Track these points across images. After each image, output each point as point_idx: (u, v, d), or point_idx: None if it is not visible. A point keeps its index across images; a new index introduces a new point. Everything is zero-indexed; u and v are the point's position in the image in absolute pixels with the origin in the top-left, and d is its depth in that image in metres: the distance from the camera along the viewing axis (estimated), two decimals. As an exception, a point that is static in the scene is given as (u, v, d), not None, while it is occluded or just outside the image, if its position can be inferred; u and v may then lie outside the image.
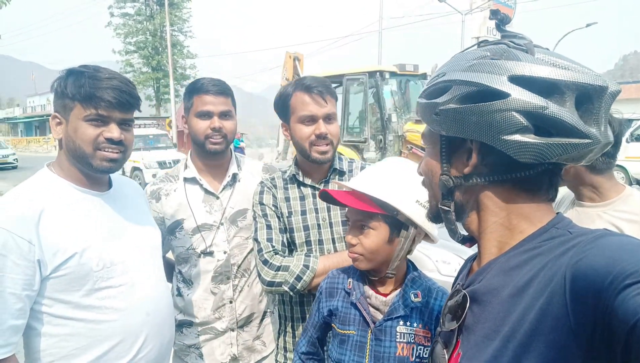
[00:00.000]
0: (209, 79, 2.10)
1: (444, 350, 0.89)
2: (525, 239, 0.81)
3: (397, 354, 1.34)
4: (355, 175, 1.84)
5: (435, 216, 0.95)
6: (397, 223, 1.39)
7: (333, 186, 1.91)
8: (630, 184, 12.94)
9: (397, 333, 1.35)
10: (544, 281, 0.70)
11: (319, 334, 1.53)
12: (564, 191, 2.02)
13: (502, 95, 0.73)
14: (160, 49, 42.18)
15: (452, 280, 1.36)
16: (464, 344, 0.84)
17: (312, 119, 1.81)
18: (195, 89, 2.07)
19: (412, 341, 1.34)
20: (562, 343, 0.64)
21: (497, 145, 0.76)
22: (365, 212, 1.37)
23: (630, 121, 16.10)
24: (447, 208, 0.89)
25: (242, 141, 24.95)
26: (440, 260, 4.43)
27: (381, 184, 1.37)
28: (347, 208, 1.46)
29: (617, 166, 13.73)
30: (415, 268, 1.49)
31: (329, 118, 1.83)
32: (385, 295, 1.41)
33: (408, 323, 1.36)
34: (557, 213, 0.85)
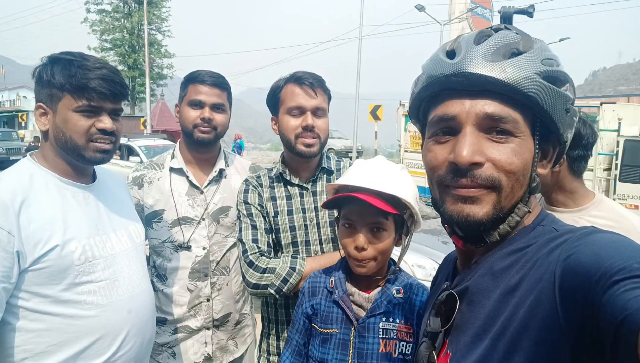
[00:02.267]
0: (207, 71, 2.09)
1: (432, 351, 0.89)
2: (517, 234, 0.83)
3: (380, 350, 1.34)
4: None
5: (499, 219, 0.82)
6: (402, 221, 1.41)
7: (321, 185, 1.88)
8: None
9: (380, 330, 1.36)
10: (534, 279, 0.71)
11: (305, 340, 1.48)
12: None
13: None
14: (137, 47, 41.52)
15: (427, 283, 1.38)
16: (453, 344, 0.84)
17: (300, 111, 1.78)
18: (192, 78, 2.06)
19: (395, 337, 1.36)
20: (552, 340, 0.64)
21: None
22: (381, 212, 1.33)
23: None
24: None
25: (241, 143, 24.68)
26: (416, 264, 4.47)
27: (391, 182, 1.36)
28: (347, 210, 1.39)
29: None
30: (394, 263, 1.50)
31: (317, 111, 1.80)
32: (368, 292, 1.42)
33: (391, 319, 1.37)
34: (541, 208, 0.88)
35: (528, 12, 0.89)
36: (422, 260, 4.51)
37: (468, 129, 0.79)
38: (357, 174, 1.39)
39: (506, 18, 0.90)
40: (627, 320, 0.53)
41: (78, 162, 1.51)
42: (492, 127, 0.78)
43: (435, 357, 0.88)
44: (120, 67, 41.54)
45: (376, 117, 18.78)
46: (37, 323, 1.40)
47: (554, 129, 0.81)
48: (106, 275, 1.52)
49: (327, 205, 1.46)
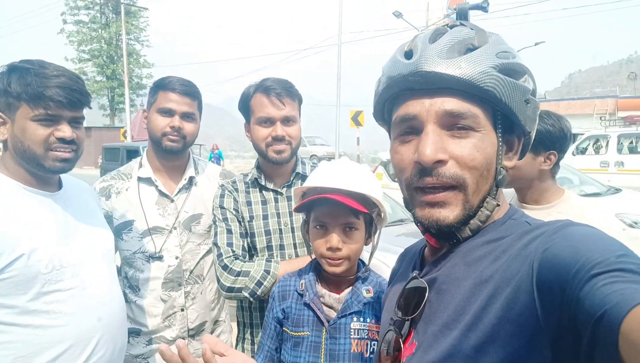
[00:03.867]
0: (178, 78, 2.05)
1: (399, 338, 0.88)
2: (489, 227, 0.83)
3: (352, 351, 1.35)
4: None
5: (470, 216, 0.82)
6: (371, 220, 1.42)
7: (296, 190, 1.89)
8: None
9: (352, 330, 1.36)
10: (510, 271, 0.70)
11: (276, 344, 1.48)
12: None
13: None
14: (115, 57, 41.18)
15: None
16: (419, 334, 0.83)
17: (269, 121, 1.81)
18: (162, 85, 2.02)
19: (366, 337, 1.36)
20: (529, 333, 0.64)
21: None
22: (353, 212, 1.35)
23: (575, 135, 16.98)
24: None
25: (220, 153, 24.47)
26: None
27: (359, 181, 1.37)
28: (318, 212, 1.40)
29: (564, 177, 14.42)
30: (364, 265, 1.50)
31: (287, 120, 1.82)
32: (339, 293, 1.42)
33: (362, 319, 1.37)
34: (510, 204, 0.89)
35: (483, 7, 0.90)
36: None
37: (429, 127, 0.79)
38: (325, 176, 1.39)
39: (462, 14, 0.91)
40: (606, 315, 0.53)
41: (39, 171, 1.48)
42: (452, 123, 0.79)
43: (402, 345, 0.87)
44: (98, 78, 41.23)
45: (357, 123, 18.88)
46: (3, 335, 1.37)
47: (516, 121, 0.82)
48: (74, 283, 1.49)
49: (300, 209, 1.46)
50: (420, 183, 0.80)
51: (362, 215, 1.38)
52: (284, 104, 1.81)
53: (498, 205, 0.84)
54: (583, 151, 14.74)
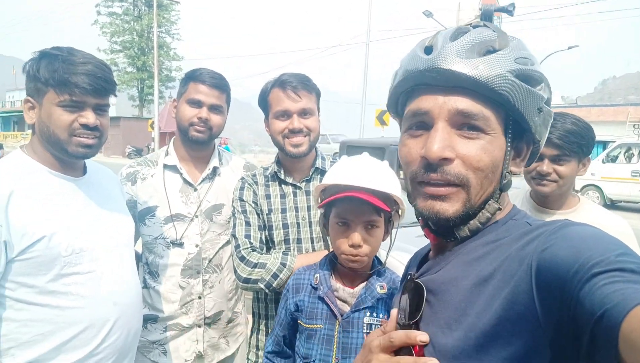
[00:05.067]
0: (209, 70, 2.09)
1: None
2: (489, 227, 0.83)
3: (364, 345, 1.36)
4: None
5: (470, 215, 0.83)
6: (389, 217, 1.44)
7: (315, 185, 1.90)
8: (605, 204, 13.24)
9: (364, 324, 1.37)
10: (509, 271, 0.70)
11: (285, 332, 1.52)
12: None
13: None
14: (146, 49, 41.92)
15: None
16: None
17: (286, 115, 1.83)
18: (193, 76, 2.06)
19: None
20: (529, 332, 0.64)
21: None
22: (375, 210, 1.37)
23: (607, 142, 16.55)
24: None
25: (227, 149, 24.70)
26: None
27: (382, 179, 1.38)
28: (340, 208, 1.40)
29: (593, 186, 14.08)
30: (380, 262, 1.51)
31: (304, 113, 1.84)
32: (353, 288, 1.44)
33: (374, 314, 1.38)
34: (514, 205, 0.88)
35: (508, 11, 0.89)
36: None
37: (440, 124, 0.79)
38: (348, 173, 1.40)
39: (486, 16, 0.90)
40: (606, 315, 0.52)
41: (62, 156, 1.52)
42: (463, 123, 0.79)
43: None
44: (129, 69, 41.99)
45: (382, 123, 18.76)
46: (23, 313, 1.42)
47: (527, 127, 0.81)
48: (93, 266, 1.53)
49: (324, 205, 1.46)
50: (425, 177, 0.80)
51: (383, 213, 1.39)
52: (300, 96, 1.83)
53: (499, 209, 0.83)
54: (614, 159, 14.36)
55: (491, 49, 0.79)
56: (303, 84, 1.84)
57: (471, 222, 0.82)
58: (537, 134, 0.83)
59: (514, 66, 0.77)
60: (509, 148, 0.82)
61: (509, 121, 0.81)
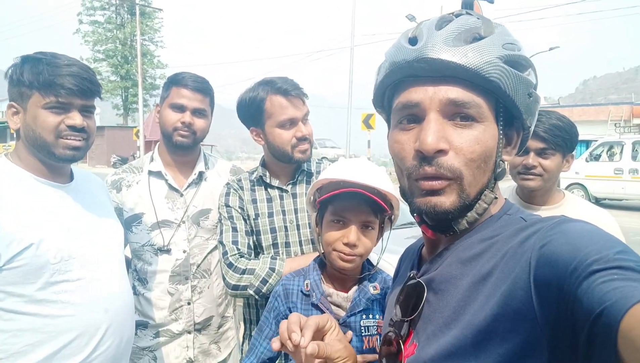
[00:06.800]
0: (192, 74, 2.06)
1: (399, 340, 0.87)
2: (483, 223, 0.83)
3: (364, 348, 1.34)
4: None
5: (466, 208, 0.81)
6: (383, 219, 1.43)
7: (301, 188, 1.90)
8: (590, 202, 13.42)
9: (362, 327, 1.35)
10: (508, 268, 0.69)
11: (272, 354, 1.40)
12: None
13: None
14: (129, 58, 41.65)
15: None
16: (420, 334, 0.83)
17: (292, 123, 1.80)
18: (176, 80, 2.04)
19: (376, 333, 1.36)
20: (526, 329, 0.63)
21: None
22: (374, 210, 1.36)
23: (589, 141, 16.80)
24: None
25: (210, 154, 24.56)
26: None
27: (383, 181, 1.37)
28: (337, 206, 1.37)
29: (578, 184, 14.28)
30: (370, 262, 1.49)
31: (305, 119, 1.84)
32: (346, 292, 1.41)
33: (370, 316, 1.37)
34: (506, 198, 0.88)
35: None
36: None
37: (432, 115, 0.78)
38: (350, 170, 1.38)
39: (467, 4, 0.90)
40: (605, 313, 0.52)
41: (49, 160, 1.50)
42: (455, 113, 0.78)
43: (402, 346, 0.86)
44: (113, 78, 41.67)
45: (369, 126, 18.84)
46: (12, 323, 1.39)
47: (517, 114, 0.81)
48: (82, 273, 1.50)
49: (323, 201, 1.41)
50: (420, 172, 0.79)
51: (379, 215, 1.38)
52: (303, 103, 1.82)
53: (496, 198, 0.83)
54: (597, 158, 14.59)
55: (477, 36, 0.78)
56: (300, 90, 1.82)
57: (469, 214, 0.81)
58: (528, 120, 0.82)
59: (502, 52, 0.77)
60: (501, 136, 0.81)
61: (499, 108, 0.81)
